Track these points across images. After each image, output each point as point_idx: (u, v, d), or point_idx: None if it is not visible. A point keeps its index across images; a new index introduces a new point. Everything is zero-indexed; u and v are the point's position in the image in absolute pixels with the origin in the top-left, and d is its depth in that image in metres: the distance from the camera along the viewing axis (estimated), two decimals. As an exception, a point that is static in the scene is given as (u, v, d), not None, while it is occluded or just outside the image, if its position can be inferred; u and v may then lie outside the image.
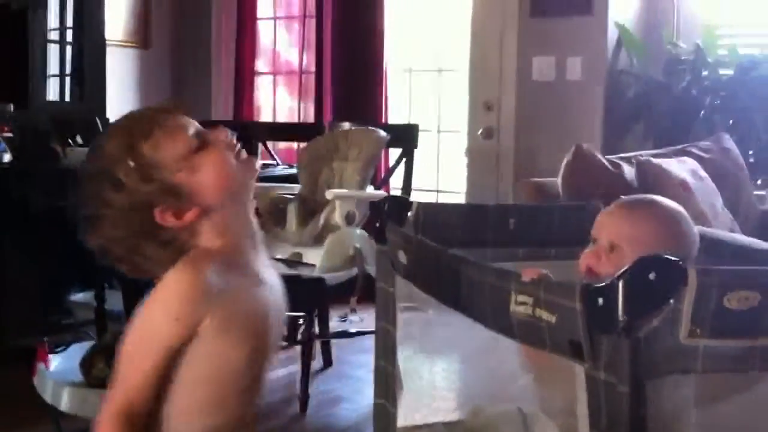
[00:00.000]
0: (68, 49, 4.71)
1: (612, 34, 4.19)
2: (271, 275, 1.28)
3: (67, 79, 4.71)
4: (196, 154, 1.17)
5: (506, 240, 1.77)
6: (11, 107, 4.05)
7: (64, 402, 2.02)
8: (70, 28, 4.71)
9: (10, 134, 3.57)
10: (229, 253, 1.19)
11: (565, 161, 2.77)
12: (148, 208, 1.15)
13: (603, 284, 0.91)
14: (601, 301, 0.91)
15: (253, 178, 1.24)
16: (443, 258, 1.33)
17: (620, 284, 0.89)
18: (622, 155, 3.05)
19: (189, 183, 1.16)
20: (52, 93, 4.61)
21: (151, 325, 1.13)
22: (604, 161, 2.83)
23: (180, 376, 1.15)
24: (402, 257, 1.54)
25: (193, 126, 1.19)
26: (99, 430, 1.10)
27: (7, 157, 3.40)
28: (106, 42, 4.73)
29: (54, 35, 4.63)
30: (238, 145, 1.22)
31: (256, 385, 1.25)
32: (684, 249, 1.39)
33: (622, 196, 1.54)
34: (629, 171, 2.87)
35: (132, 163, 1.14)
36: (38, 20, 4.42)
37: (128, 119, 1.21)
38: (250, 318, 1.19)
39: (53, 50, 4.62)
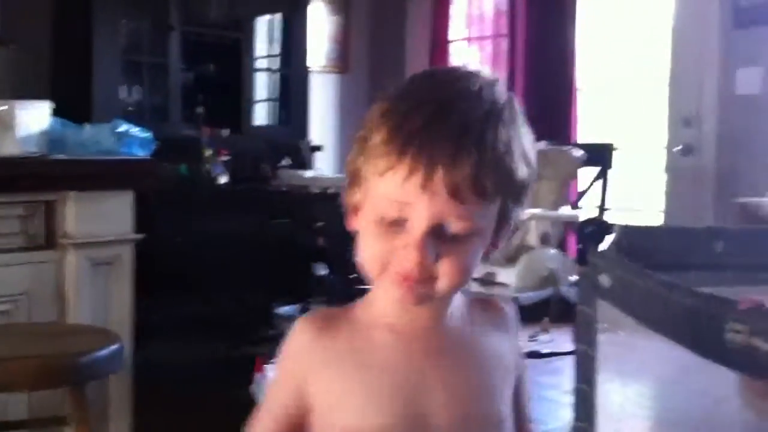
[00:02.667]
0: (275, 76, 5.04)
1: (826, 43, 3.95)
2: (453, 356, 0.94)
3: (274, 105, 5.04)
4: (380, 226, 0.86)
5: (713, 264, 1.73)
6: (227, 132, 4.40)
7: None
8: (276, 56, 5.04)
9: (227, 157, 3.87)
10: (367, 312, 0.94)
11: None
12: None
13: (826, 316, 0.90)
14: (824, 332, 0.90)
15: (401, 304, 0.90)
16: (651, 282, 1.34)
17: None
18: (839, 174, 2.87)
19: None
20: (261, 118, 4.95)
21: None
22: (820, 180, 2.68)
23: None
24: (605, 280, 1.56)
25: (407, 203, 0.84)
26: None
27: (224, 179, 3.70)
28: (309, 68, 5.01)
29: (261, 63, 4.97)
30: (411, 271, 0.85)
31: None
32: None
33: None
34: None
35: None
36: (248, 50, 4.76)
37: None
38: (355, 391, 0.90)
39: (262, 78, 4.97)
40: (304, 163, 4.42)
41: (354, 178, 0.89)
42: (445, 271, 0.85)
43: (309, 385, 0.91)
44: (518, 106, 0.90)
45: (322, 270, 3.90)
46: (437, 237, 0.84)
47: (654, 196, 4.57)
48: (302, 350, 0.92)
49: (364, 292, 0.95)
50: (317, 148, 4.85)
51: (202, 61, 4.60)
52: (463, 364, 0.93)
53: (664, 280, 1.30)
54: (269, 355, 2.55)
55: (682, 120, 4.38)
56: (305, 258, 3.89)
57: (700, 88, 4.31)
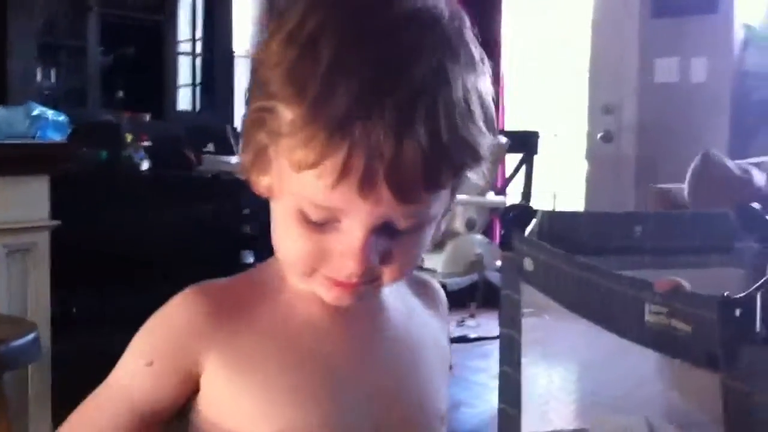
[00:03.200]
0: (198, 60, 4.95)
1: (738, 33, 4.07)
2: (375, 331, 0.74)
3: (197, 90, 4.94)
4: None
5: (632, 248, 1.77)
6: (148, 117, 4.30)
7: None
8: (200, 39, 4.94)
9: (148, 143, 3.79)
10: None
11: (691, 167, 2.73)
12: None
13: (741, 295, 0.92)
14: (738, 312, 0.92)
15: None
16: (573, 266, 1.36)
17: (758, 295, 0.91)
18: (751, 160, 2.97)
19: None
20: (184, 103, 4.85)
21: None
22: (733, 167, 2.78)
23: None
24: (528, 264, 1.58)
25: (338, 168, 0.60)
26: None
27: (146, 165, 3.61)
28: (234, 54, 4.93)
29: (184, 47, 4.87)
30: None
31: None
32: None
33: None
34: (759, 177, 2.81)
35: None
36: (170, 33, 4.66)
37: None
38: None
39: (184, 62, 4.87)
40: (230, 149, 4.36)
41: (259, 157, 0.66)
42: (391, 268, 0.66)
43: (209, 375, 0.68)
44: (466, 24, 0.67)
45: (249, 258, 3.86)
46: (381, 234, 0.64)
47: (578, 183, 4.66)
48: (195, 330, 0.68)
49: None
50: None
51: (123, 44, 4.48)
52: (405, 346, 0.75)
53: (585, 264, 1.33)
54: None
55: (602, 108, 4.47)
56: (232, 245, 3.84)
57: (619, 77, 4.41)
